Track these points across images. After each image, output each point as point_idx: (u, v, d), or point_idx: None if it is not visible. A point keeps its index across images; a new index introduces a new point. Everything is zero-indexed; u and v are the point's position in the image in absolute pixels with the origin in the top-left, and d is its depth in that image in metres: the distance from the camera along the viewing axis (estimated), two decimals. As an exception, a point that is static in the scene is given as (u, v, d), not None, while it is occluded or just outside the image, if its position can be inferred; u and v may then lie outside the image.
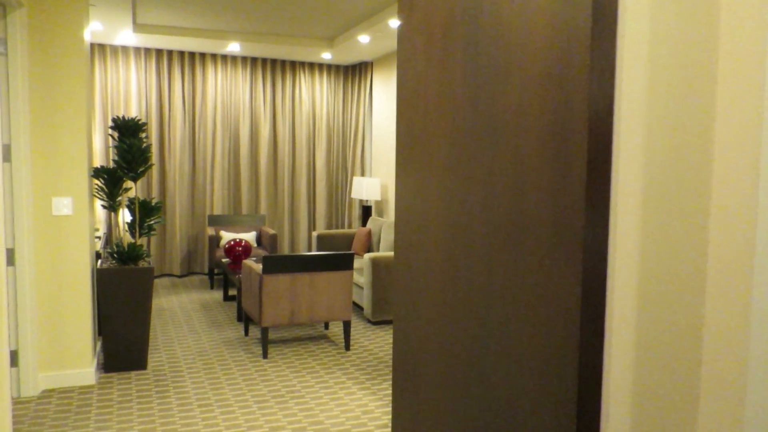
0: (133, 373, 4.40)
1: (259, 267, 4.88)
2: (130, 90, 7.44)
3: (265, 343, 4.79)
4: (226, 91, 7.94)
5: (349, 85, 8.61)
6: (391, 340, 5.35)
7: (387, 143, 7.94)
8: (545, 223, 1.21)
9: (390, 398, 4.11)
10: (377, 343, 5.28)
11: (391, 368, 4.65)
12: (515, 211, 1.29)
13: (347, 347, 5.05)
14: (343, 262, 4.93)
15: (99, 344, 4.71)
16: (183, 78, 7.71)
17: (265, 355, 4.80)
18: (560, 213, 1.17)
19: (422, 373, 1.72)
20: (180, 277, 7.84)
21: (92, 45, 7.27)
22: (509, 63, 1.30)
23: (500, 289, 1.35)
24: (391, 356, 4.94)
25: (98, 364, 4.49)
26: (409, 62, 1.73)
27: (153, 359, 4.71)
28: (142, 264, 4.48)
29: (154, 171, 7.64)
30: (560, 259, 1.17)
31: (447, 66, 1.53)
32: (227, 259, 6.60)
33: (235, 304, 6.55)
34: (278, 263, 4.71)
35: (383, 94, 8.02)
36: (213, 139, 7.92)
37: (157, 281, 7.57)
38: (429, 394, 1.67)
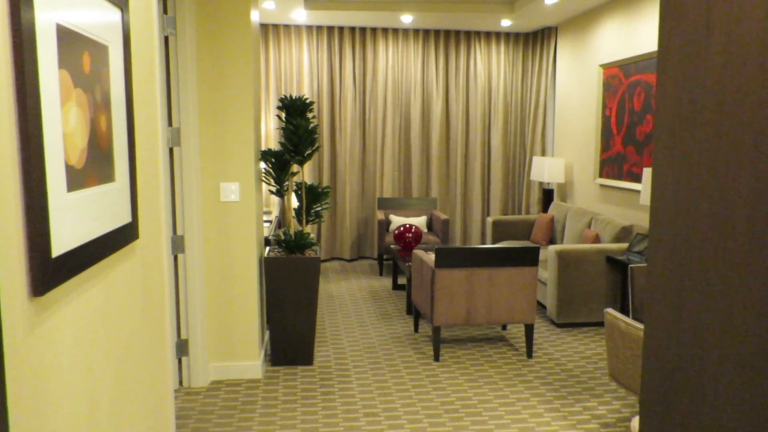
0: (299, 369, 4.16)
1: (431, 259, 4.41)
2: (302, 70, 7.32)
3: (437, 344, 4.32)
4: (397, 67, 7.54)
5: (530, 54, 7.81)
6: (580, 348, 4.62)
7: (572, 119, 7.06)
8: None
9: (579, 419, 3.44)
10: (564, 350, 4.58)
11: (580, 382, 3.97)
12: None
13: (529, 354, 4.42)
14: (528, 257, 4.29)
15: (267, 335, 4.55)
16: (354, 55, 7.44)
17: (436, 358, 4.34)
18: None
19: (707, 393, 1.09)
20: (350, 261, 7.67)
21: (266, 26, 7.24)
22: None
23: None
24: (581, 368, 4.23)
25: (265, 356, 4.32)
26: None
27: (319, 353, 4.45)
28: (309, 253, 4.20)
29: (325, 153, 7.49)
30: None
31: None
32: (397, 246, 6.24)
33: (404, 294, 6.19)
34: (453, 256, 4.19)
35: (569, 62, 7.13)
36: (383, 118, 7.59)
37: (327, 265, 7.46)
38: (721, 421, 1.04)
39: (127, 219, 1.73)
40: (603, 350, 4.58)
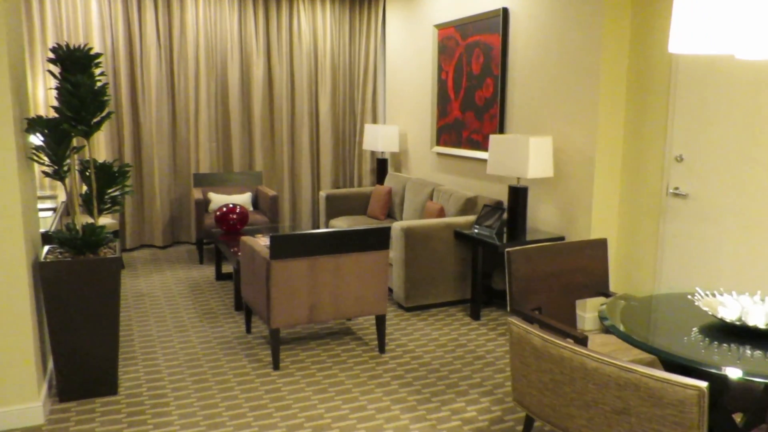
0: (98, 402, 3.22)
1: (264, 249, 3.67)
2: (90, 20, 6.01)
3: (276, 350, 3.62)
4: (210, 24, 6.53)
5: (357, 13, 7.20)
6: (434, 335, 4.20)
7: (406, 83, 6.62)
8: None
9: (449, 427, 2.97)
10: (417, 339, 4.13)
11: (441, 378, 3.52)
12: None
13: (381, 349, 3.90)
14: (378, 240, 3.72)
15: (50, 366, 3.50)
16: (156, 6, 6.28)
17: (276, 365, 3.64)
18: None
19: None
20: (163, 248, 6.61)
21: (39, -36, 5.81)
22: None
23: None
24: (439, 359, 3.79)
25: (50, 391, 3.31)
26: None
27: (126, 377, 3.53)
28: (105, 252, 3.25)
29: (126, 123, 6.29)
30: None
31: None
32: (219, 229, 5.37)
33: (231, 284, 5.36)
34: (291, 244, 3.49)
35: (401, 22, 6.65)
36: (196, 82, 6.56)
37: (134, 255, 6.34)
38: None
39: None
40: (457, 335, 4.20)
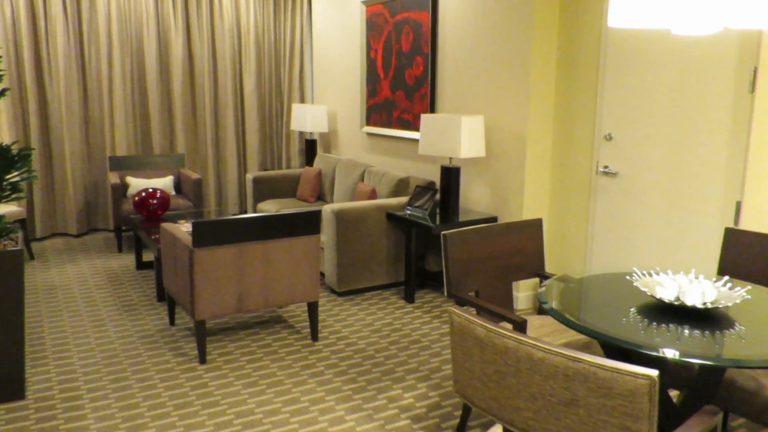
0: (2, 408, 2.94)
1: (186, 236, 3.44)
2: (-14, -9, 5.49)
3: (202, 342, 3.42)
4: (123, -5, 6.10)
5: (282, -11, 6.92)
6: (368, 320, 4.10)
7: (333, 62, 6.43)
8: None
9: (386, 416, 2.89)
10: (351, 325, 4.01)
11: (377, 365, 3.43)
12: None
13: (314, 337, 3.76)
14: (309, 224, 3.56)
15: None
16: (61, -25, 5.81)
17: (202, 359, 3.44)
18: None
19: None
20: (77, 236, 6.20)
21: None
22: None
23: None
24: (374, 345, 3.69)
25: (-52, 395, 3.00)
26: None
27: (35, 380, 3.24)
28: (5, 245, 2.95)
29: (30, 101, 5.82)
30: None
31: None
32: (138, 216, 5.06)
33: (152, 273, 5.08)
34: (216, 231, 3.29)
35: (326, 0, 6.44)
36: (109, 59, 6.13)
37: (45, 244, 5.92)
38: None
39: None
40: (391, 319, 4.11)
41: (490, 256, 2.80)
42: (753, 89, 2.94)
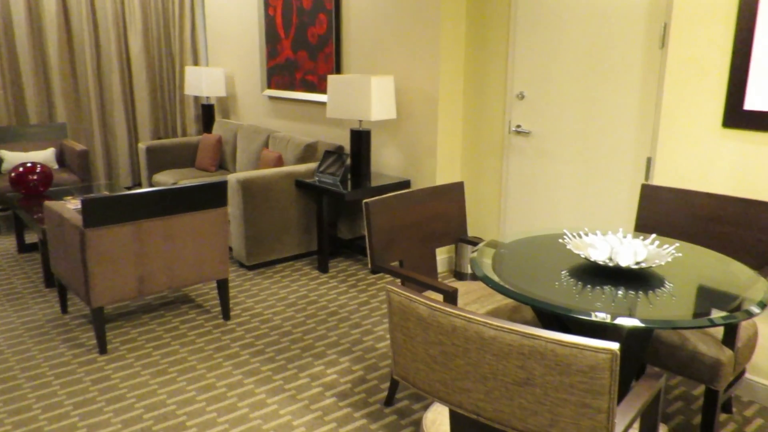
0: None
1: (75, 215, 3.08)
2: None
3: (101, 331, 3.11)
4: (-20, -57, 5.36)
5: (167, -60, 6.36)
6: (281, 294, 3.90)
7: (228, 20, 6.02)
8: None
9: (309, 395, 2.75)
10: (264, 300, 3.81)
11: (295, 341, 3.25)
12: None
13: (226, 316, 3.53)
14: (213, 196, 3.29)
15: None
16: None
17: (102, 350, 3.13)
18: None
19: None
20: (-55, 219, 5.53)
21: None
22: None
23: None
24: (290, 320, 3.52)
25: None
26: None
27: None
28: None
29: None
30: None
31: None
32: (17, 193, 4.55)
33: (38, 257, 4.60)
34: (109, 208, 2.96)
35: (218, -48, 5.97)
36: (-32, 16, 5.41)
37: None
38: None
39: None
40: (306, 291, 3.94)
41: (413, 223, 2.69)
42: (663, 45, 2.96)
